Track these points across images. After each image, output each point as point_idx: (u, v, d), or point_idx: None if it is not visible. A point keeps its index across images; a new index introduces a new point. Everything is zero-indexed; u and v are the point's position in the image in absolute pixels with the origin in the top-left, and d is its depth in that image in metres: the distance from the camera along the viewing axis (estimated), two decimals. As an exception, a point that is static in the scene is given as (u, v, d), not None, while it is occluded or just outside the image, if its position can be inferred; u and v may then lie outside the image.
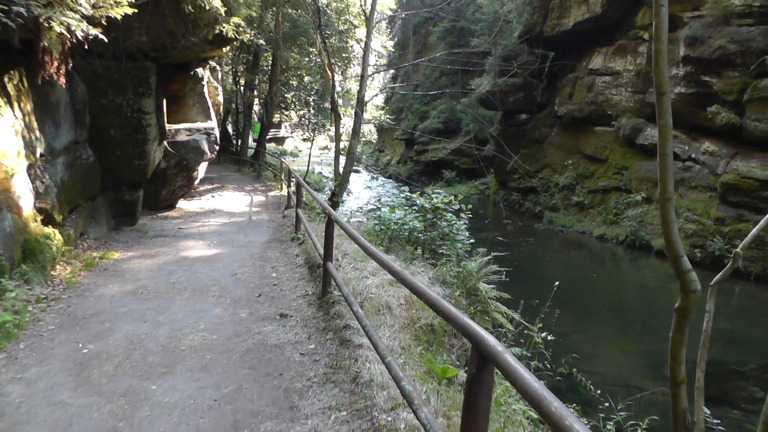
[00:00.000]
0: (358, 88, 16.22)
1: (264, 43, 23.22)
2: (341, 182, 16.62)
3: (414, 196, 10.88)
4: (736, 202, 17.91)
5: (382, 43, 24.54)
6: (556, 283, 7.65)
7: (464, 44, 40.61)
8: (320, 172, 38.33)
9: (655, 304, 15.19)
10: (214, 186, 20.77)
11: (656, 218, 21.52)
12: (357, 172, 36.56)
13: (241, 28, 11.18)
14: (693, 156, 20.71)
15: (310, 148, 29.94)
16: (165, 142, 12.97)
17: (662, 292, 16.69)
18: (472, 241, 9.65)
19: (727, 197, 18.20)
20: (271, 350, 5.45)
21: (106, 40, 7.70)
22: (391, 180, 45.96)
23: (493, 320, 7.44)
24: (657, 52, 3.53)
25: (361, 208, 27.97)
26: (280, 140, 64.95)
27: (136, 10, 7.68)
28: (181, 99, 14.44)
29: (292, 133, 73.30)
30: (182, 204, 15.81)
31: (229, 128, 40.76)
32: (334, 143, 18.50)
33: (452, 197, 10.29)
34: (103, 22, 7.46)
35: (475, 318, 7.29)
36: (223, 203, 16.95)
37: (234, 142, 37.78)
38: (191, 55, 11.33)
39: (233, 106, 37.14)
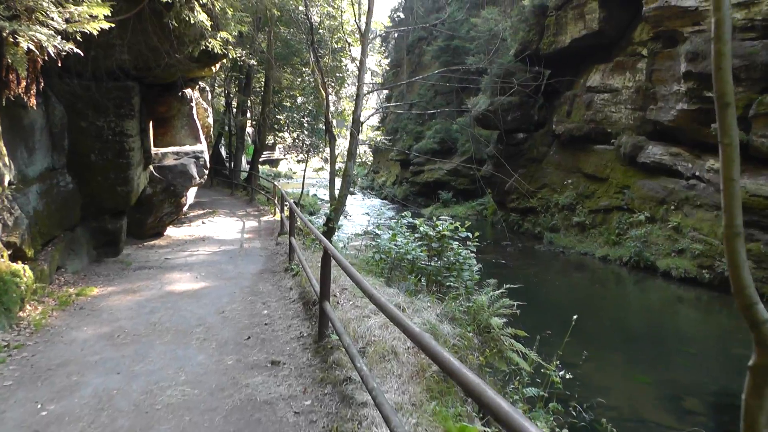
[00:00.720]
0: (353, 107, 15.54)
1: (256, 63, 22.69)
2: (337, 207, 15.86)
3: (417, 222, 10.10)
4: (744, 221, 17.14)
5: (377, 61, 23.99)
6: (575, 317, 6.96)
7: (459, 63, 40.17)
8: (314, 195, 37.68)
9: (665, 330, 14.61)
10: (205, 211, 20.03)
11: (660, 238, 20.98)
12: (352, 194, 35.91)
13: (229, 45, 10.53)
14: (697, 174, 20.17)
15: (305, 170, 29.24)
16: (151, 167, 12.29)
17: (670, 317, 16.10)
18: (480, 271, 8.93)
19: (735, 216, 17.58)
20: (260, 408, 4.68)
21: (83, 56, 7.07)
22: (386, 201, 45.41)
23: (508, 360, 6.74)
24: (719, 54, 2.92)
25: (359, 233, 27.31)
26: (273, 162, 64.43)
27: (113, 25, 7.04)
28: (169, 121, 13.79)
29: (285, 155, 72.81)
30: (171, 231, 15.06)
31: (222, 151, 40.15)
32: (329, 165, 17.85)
33: (458, 224, 9.56)
34: (78, 37, 6.80)
35: (491, 359, 6.61)
36: (214, 230, 16.23)
37: (227, 164, 37.09)
38: (177, 74, 10.67)
39: (226, 128, 36.58)
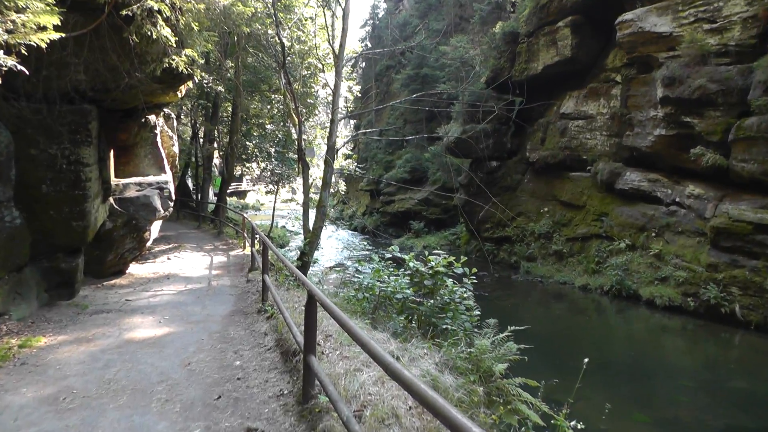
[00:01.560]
0: (325, 135, 14.75)
1: (223, 90, 21.83)
2: (312, 240, 14.90)
3: (406, 257, 9.16)
4: (728, 246, 16.96)
5: (348, 87, 23.28)
6: (585, 360, 6.22)
7: (429, 91, 40.00)
8: (284, 226, 36.67)
9: (655, 361, 13.97)
10: (170, 246, 18.89)
11: (642, 266, 20.53)
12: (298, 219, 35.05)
13: (195, 65, 9.71)
14: (677, 200, 19.86)
15: (274, 201, 28.18)
16: (111, 199, 11.31)
17: (659, 347, 15.52)
18: (478, 312, 8.06)
19: (718, 242, 17.25)
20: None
21: (31, 75, 6.21)
22: (356, 232, 44.64)
23: (517, 412, 5.92)
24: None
25: (333, 266, 26.38)
26: (241, 194, 63.30)
27: (63, 35, 6.18)
28: (131, 149, 12.83)
29: (254, 185, 71.80)
30: (133, 269, 13.98)
31: (189, 182, 38.93)
32: (303, 195, 16.90)
33: (453, 259, 8.73)
34: (23, 51, 5.94)
35: (498, 410, 5.78)
36: (180, 266, 15.17)
37: (194, 196, 35.85)
38: (139, 97, 9.73)
39: (192, 159, 35.44)
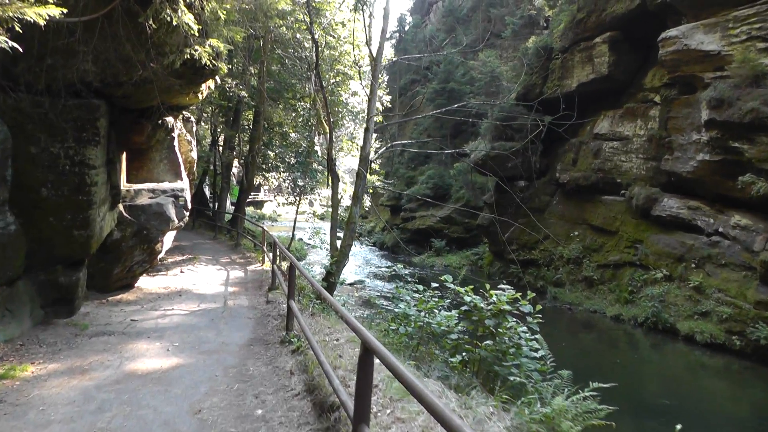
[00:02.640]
0: (360, 144, 13.57)
1: (246, 95, 20.80)
2: (339, 259, 13.66)
3: (462, 290, 7.69)
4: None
5: (379, 97, 22.06)
6: (678, 428, 5.00)
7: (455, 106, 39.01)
8: (300, 239, 35.62)
9: (696, 405, 12.67)
10: (184, 257, 17.76)
11: (679, 298, 19.21)
12: (338, 239, 33.84)
13: (220, 59, 8.59)
14: (720, 230, 18.55)
15: (296, 213, 26.90)
16: (120, 206, 10.23)
17: (702, 389, 14.27)
18: (552, 359, 6.72)
19: (769, 278, 15.98)
20: None
21: (34, 61, 5.17)
22: (374, 247, 43.60)
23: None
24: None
25: (353, 282, 25.22)
26: (258, 204, 62.34)
27: (65, 10, 5.12)
28: (145, 153, 11.80)
29: (275, 196, 70.88)
30: (143, 282, 12.81)
31: (206, 190, 38.01)
32: (332, 210, 15.66)
33: (518, 295, 7.46)
34: (17, 27, 4.89)
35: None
36: (194, 280, 14.04)
37: (210, 205, 34.84)
38: (155, 94, 8.61)
39: (211, 167, 34.51)
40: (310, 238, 30.46)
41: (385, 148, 13.65)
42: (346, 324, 4.45)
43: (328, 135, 15.02)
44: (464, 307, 7.36)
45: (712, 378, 15.33)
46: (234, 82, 19.58)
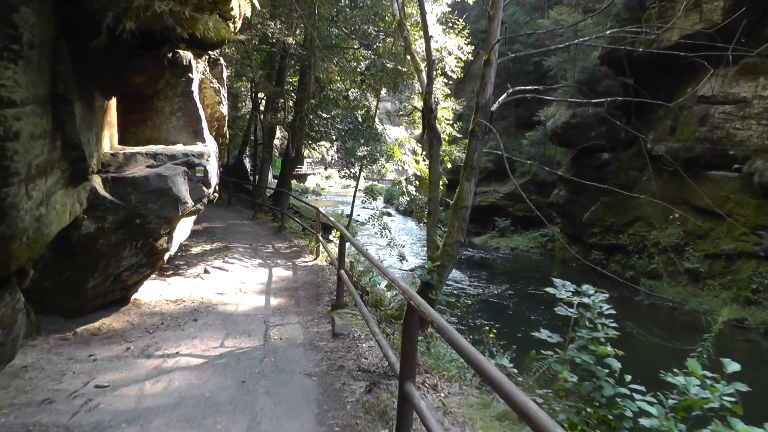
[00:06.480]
0: (477, 88, 9.28)
1: (293, 43, 17.16)
2: (443, 263, 9.46)
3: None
4: None
5: (460, 46, 18.30)
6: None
7: (520, 69, 35.04)
8: (342, 212, 32.19)
9: None
10: (213, 246, 14.01)
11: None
12: (388, 215, 29.85)
13: None
14: None
15: (355, 188, 22.93)
16: (95, 180, 6.69)
17: None
18: None
19: None
20: None
21: None
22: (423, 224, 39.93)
23: None
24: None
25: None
26: (301, 177, 59.19)
27: None
28: (150, 103, 8.25)
29: (326, 168, 67.83)
30: (145, 291, 9.08)
31: (247, 163, 34.79)
32: (430, 189, 11.67)
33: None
34: None
35: None
36: (222, 286, 10.20)
37: (251, 179, 31.45)
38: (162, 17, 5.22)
39: (251, 137, 31.14)
40: (357, 215, 26.77)
41: (506, 94, 9.51)
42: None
43: (425, 74, 10.90)
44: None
45: None
46: (278, 26, 15.98)
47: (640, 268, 22.30)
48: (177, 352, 6.55)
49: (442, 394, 4.97)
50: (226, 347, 6.89)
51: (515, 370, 5.00)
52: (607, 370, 4.08)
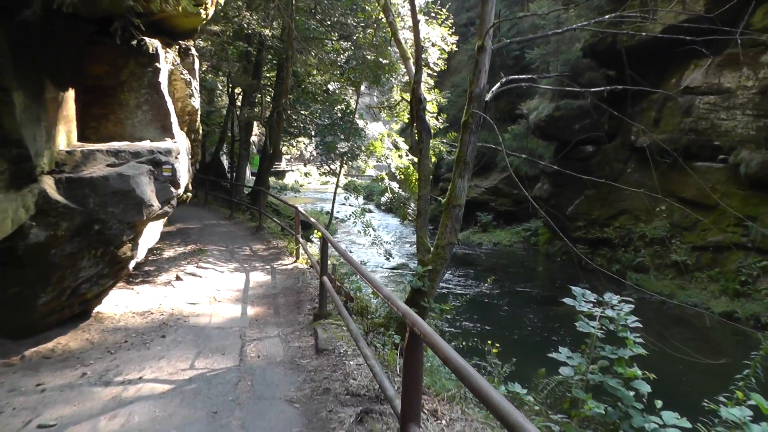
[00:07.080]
0: (471, 77, 8.46)
1: (270, 35, 16.50)
2: (435, 266, 8.67)
3: None
4: None
5: (443, 36, 17.81)
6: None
7: (502, 63, 34.52)
8: (321, 209, 31.50)
9: None
10: (186, 249, 13.21)
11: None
12: (369, 211, 29.08)
13: None
14: None
15: (336, 185, 22.21)
16: (47, 182, 6.09)
17: None
18: None
19: None
20: None
21: None
22: (406, 220, 39.32)
23: None
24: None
25: (398, 269, 20.97)
26: (279, 174, 58.42)
27: None
28: (113, 95, 7.54)
29: (305, 165, 67.16)
30: (110, 303, 8.37)
31: (224, 160, 33.89)
32: (420, 184, 10.95)
33: None
34: None
35: None
36: (194, 295, 9.50)
37: (229, 176, 30.57)
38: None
39: (228, 133, 30.20)
40: (337, 211, 26.04)
41: (499, 83, 8.87)
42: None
43: (413, 62, 10.14)
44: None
45: None
46: (254, 17, 15.32)
47: (626, 261, 21.99)
48: (140, 377, 5.81)
49: (443, 422, 4.35)
50: (196, 369, 6.17)
51: (530, 398, 4.38)
52: (632, 393, 3.54)
